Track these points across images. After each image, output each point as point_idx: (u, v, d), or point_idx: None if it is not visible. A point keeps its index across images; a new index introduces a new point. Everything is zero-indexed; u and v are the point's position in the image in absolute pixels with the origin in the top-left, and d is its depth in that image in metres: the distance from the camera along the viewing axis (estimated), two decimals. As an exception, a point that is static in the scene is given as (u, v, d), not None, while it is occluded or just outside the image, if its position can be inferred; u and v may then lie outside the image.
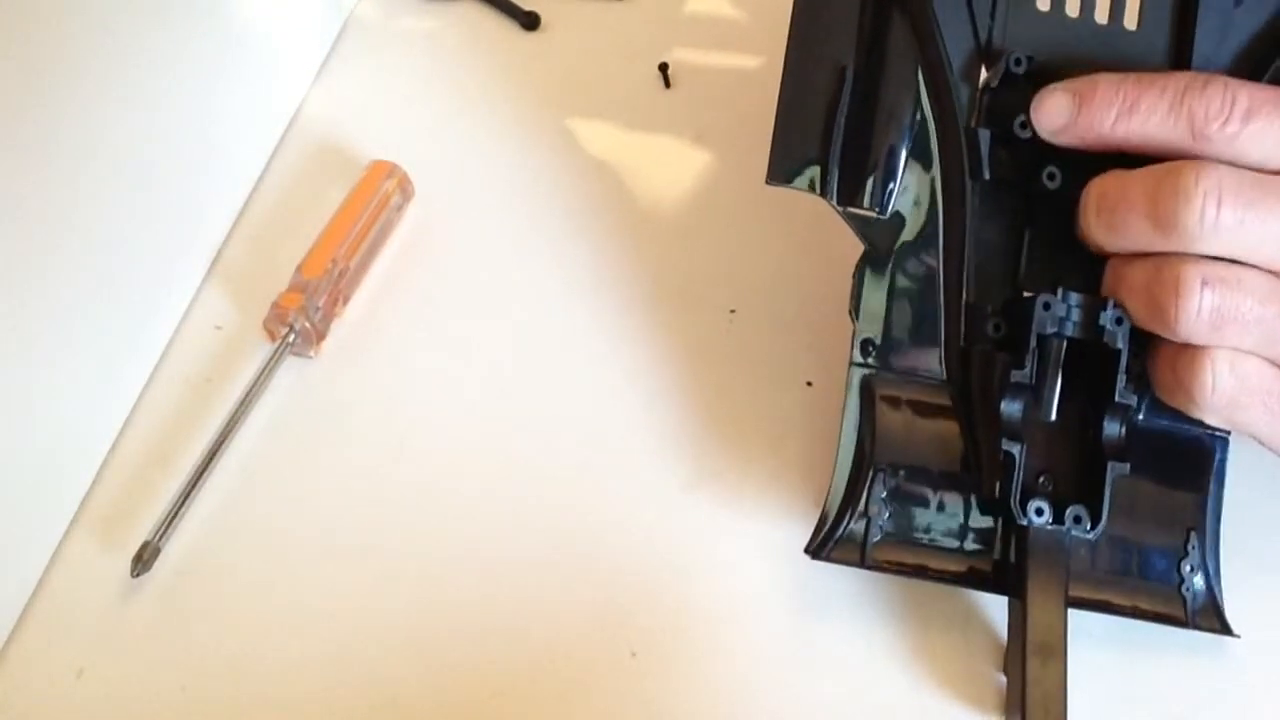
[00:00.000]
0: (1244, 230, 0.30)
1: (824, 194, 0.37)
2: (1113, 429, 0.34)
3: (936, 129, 0.37)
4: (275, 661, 0.37)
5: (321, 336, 0.45)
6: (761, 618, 0.38)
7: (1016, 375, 0.34)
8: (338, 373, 0.45)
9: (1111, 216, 0.32)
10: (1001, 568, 0.36)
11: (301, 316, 0.43)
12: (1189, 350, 0.32)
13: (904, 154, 0.37)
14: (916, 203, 0.37)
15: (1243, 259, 0.31)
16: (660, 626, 0.38)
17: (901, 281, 0.37)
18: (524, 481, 0.41)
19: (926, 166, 0.37)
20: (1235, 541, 0.37)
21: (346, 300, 0.46)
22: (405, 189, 0.49)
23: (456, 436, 0.43)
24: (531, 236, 0.49)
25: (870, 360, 0.37)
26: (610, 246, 0.49)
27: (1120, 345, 0.33)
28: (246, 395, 0.42)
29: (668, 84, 0.56)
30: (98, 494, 0.41)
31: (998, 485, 0.35)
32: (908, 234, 0.37)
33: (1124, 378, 0.33)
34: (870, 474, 0.36)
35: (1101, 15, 0.36)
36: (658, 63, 0.56)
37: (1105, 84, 0.32)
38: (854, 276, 0.37)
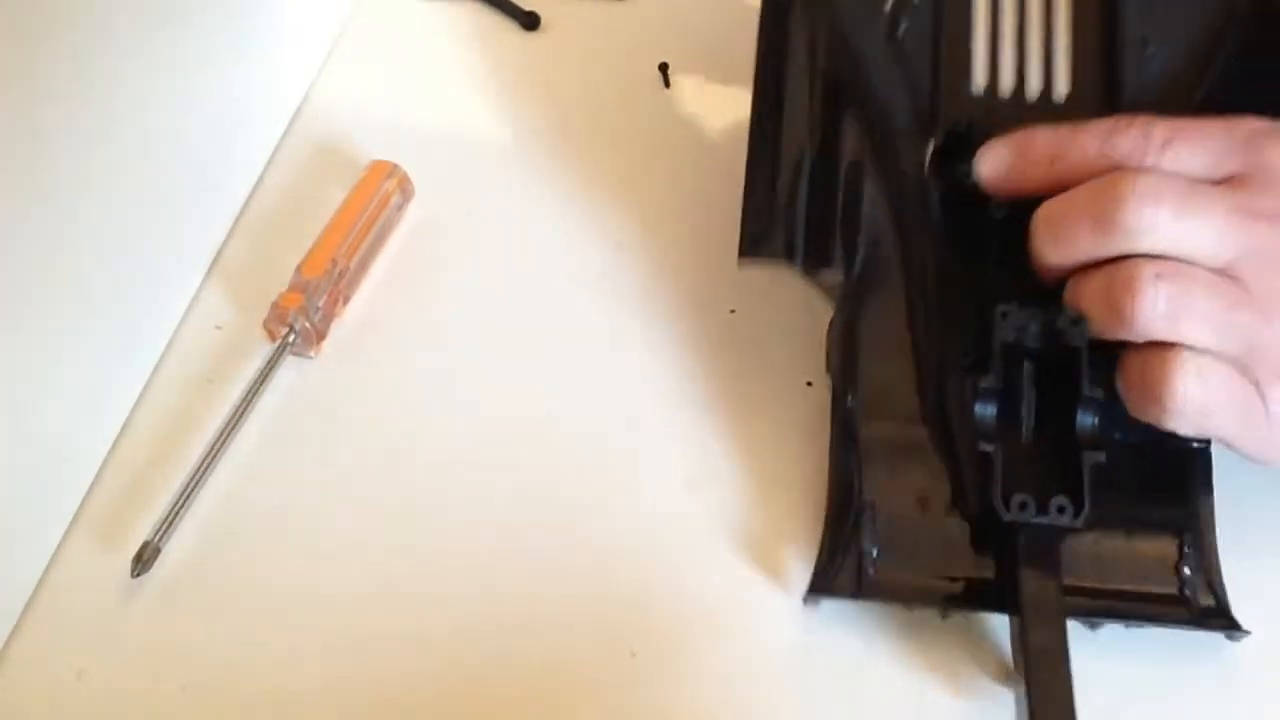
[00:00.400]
0: (1180, 227, 0.32)
1: (792, 264, 0.39)
2: (1085, 420, 0.34)
3: (892, 192, 0.39)
4: (275, 662, 0.37)
5: (321, 336, 0.45)
6: (762, 617, 0.38)
7: (985, 381, 0.35)
8: (338, 373, 0.45)
9: (1059, 230, 0.34)
10: (998, 584, 0.36)
11: (301, 316, 0.43)
12: (1157, 358, 0.33)
13: (863, 220, 0.39)
14: (880, 259, 0.39)
15: (1184, 256, 0.33)
16: (660, 626, 0.38)
17: (873, 332, 0.38)
18: (524, 481, 0.41)
19: (887, 226, 0.39)
20: (1238, 538, 0.37)
21: (346, 300, 0.46)
22: (405, 189, 0.49)
23: (456, 436, 0.43)
24: (531, 236, 0.49)
25: (851, 406, 0.38)
26: (609, 246, 0.49)
27: (1080, 344, 0.34)
28: (246, 395, 0.42)
29: (667, 84, 0.56)
30: (98, 494, 0.41)
31: (983, 490, 0.35)
32: (874, 289, 0.38)
33: (1088, 372, 0.34)
34: (860, 510, 0.37)
35: (1032, 92, 0.39)
36: (658, 63, 0.56)
37: (1041, 135, 0.35)
38: (827, 335, 0.39)
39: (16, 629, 0.38)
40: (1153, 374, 0.33)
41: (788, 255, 0.39)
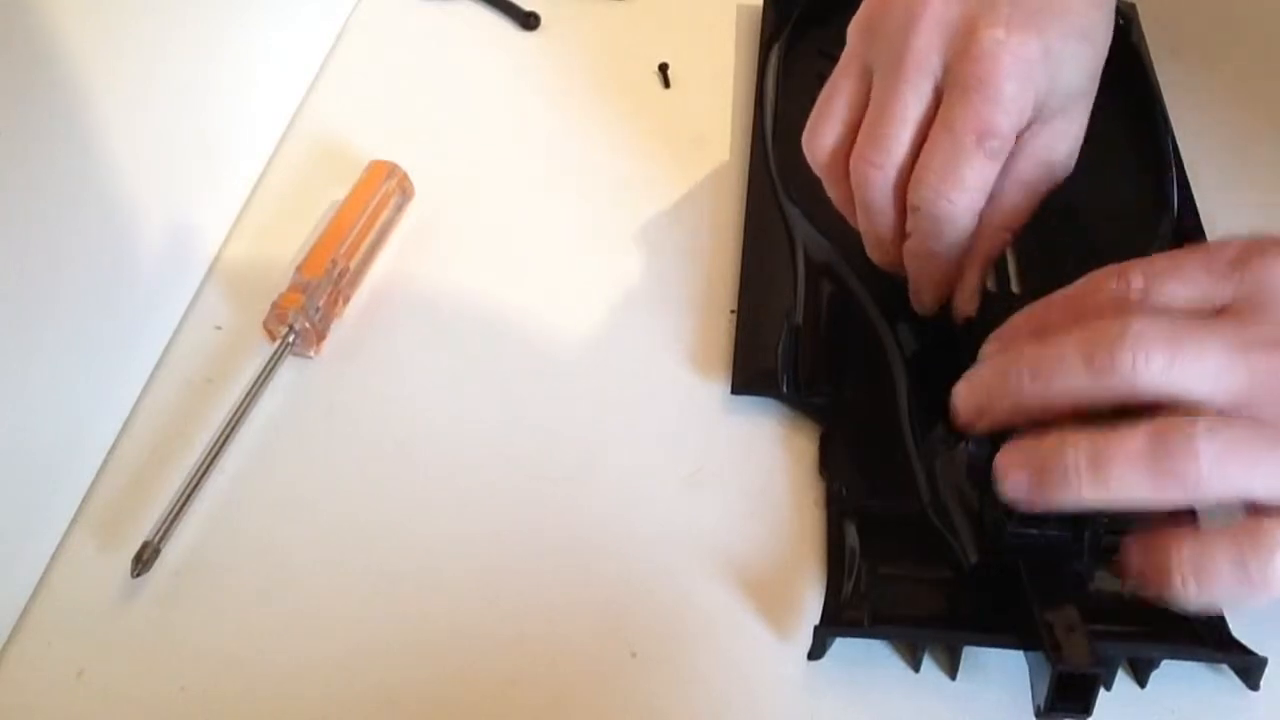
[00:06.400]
0: (1178, 372, 0.30)
1: (778, 398, 0.43)
2: None
3: (867, 333, 0.44)
4: (275, 661, 0.37)
5: (321, 336, 0.45)
6: (762, 617, 0.38)
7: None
8: (338, 373, 0.45)
9: (1049, 371, 0.32)
10: (1011, 616, 0.35)
11: (301, 316, 0.43)
12: (1155, 555, 0.31)
13: (843, 357, 0.43)
14: (858, 385, 0.42)
15: (1187, 399, 0.30)
16: (660, 626, 0.38)
17: (860, 440, 0.41)
18: (524, 481, 0.41)
19: (865, 358, 0.43)
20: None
21: (346, 300, 0.46)
22: (405, 189, 0.49)
23: (456, 437, 0.43)
24: (531, 236, 0.49)
25: (844, 496, 0.40)
26: (609, 246, 0.49)
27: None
28: (246, 395, 0.42)
29: (667, 84, 0.56)
30: (98, 494, 0.41)
31: (984, 519, 0.36)
32: (855, 403, 0.42)
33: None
34: (860, 571, 0.37)
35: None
36: (658, 63, 0.56)
37: (1017, 319, 0.36)
38: (819, 447, 0.42)
39: (16, 629, 0.38)
40: (1152, 571, 0.31)
41: (777, 392, 0.43)
